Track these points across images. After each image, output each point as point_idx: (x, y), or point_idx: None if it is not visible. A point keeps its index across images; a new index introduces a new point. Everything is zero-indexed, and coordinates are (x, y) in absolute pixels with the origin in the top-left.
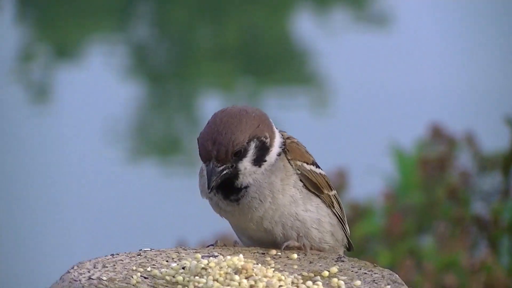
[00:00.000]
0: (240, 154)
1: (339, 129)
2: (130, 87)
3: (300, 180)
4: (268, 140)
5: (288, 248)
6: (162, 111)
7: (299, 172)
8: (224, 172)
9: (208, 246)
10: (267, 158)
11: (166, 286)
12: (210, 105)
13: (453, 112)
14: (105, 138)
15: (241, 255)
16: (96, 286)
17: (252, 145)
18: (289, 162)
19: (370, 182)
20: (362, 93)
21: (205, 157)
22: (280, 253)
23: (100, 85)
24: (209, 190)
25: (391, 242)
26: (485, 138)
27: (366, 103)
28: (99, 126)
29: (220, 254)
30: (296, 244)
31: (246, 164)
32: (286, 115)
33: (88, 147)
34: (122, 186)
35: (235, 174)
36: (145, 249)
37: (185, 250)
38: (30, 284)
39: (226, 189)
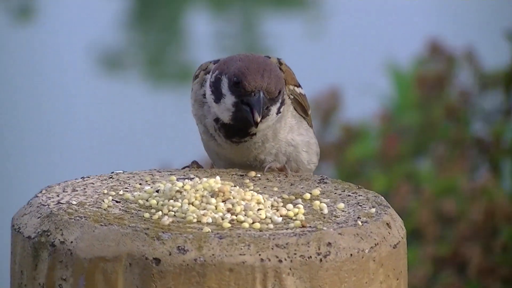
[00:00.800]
0: (279, 96)
1: (332, 47)
2: (114, 3)
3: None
4: (285, 92)
5: (270, 170)
6: (147, 28)
7: (292, 97)
8: (264, 108)
9: (184, 168)
10: (282, 109)
11: (139, 210)
12: (199, 23)
13: (452, 26)
14: (90, 54)
15: (218, 177)
16: (65, 211)
17: (281, 94)
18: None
19: (364, 103)
20: (356, 7)
21: (256, 85)
22: (259, 175)
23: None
24: (255, 123)
25: (386, 165)
26: (486, 54)
27: (360, 18)
28: (85, 42)
29: (196, 176)
30: (278, 165)
31: (273, 110)
32: (280, 32)
33: (73, 64)
34: (108, 103)
35: (263, 117)
36: (117, 172)
37: (160, 172)
38: (3, 209)
39: (231, 130)
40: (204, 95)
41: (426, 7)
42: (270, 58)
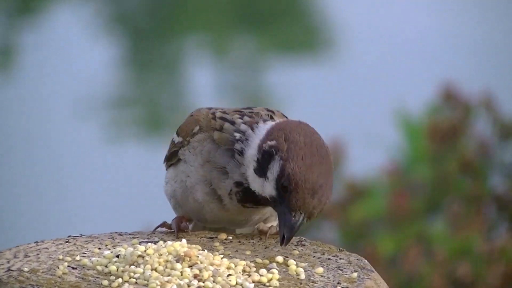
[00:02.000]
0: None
1: (336, 93)
2: (104, 48)
3: None
4: None
5: (271, 236)
6: (142, 78)
7: None
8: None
9: (156, 228)
10: None
11: (97, 277)
12: (199, 71)
13: (468, 70)
14: (77, 110)
15: (184, 240)
16: (16, 279)
17: None
18: None
19: (371, 155)
20: (365, 49)
21: (300, 206)
22: (231, 237)
23: (68, 45)
24: (282, 242)
25: (395, 226)
26: (506, 100)
27: (368, 61)
28: (71, 96)
29: (161, 239)
30: (266, 227)
31: None
32: (283, 79)
33: (58, 122)
34: (97, 166)
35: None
36: (74, 235)
37: (121, 235)
38: None
39: (250, 196)
40: (239, 152)
41: (440, 49)
42: (273, 112)
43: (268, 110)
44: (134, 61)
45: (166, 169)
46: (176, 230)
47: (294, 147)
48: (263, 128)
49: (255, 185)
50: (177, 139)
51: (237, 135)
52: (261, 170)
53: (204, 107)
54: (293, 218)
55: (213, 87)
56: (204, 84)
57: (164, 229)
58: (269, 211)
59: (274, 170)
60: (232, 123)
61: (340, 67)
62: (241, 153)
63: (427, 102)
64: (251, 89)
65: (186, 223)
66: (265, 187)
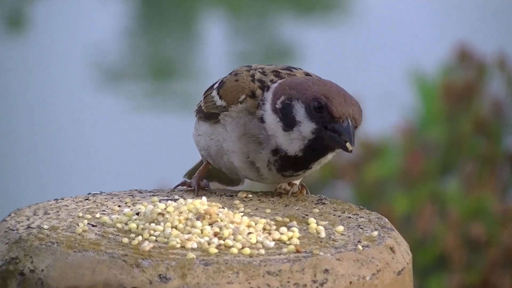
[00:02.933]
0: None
1: (351, 53)
2: (115, 8)
3: None
4: None
5: (293, 195)
6: (153, 35)
7: None
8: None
9: (177, 186)
10: None
11: (117, 235)
12: (212, 31)
13: (483, 30)
14: (90, 70)
15: (204, 198)
16: (35, 236)
17: None
18: None
19: (385, 115)
20: (379, 11)
21: (344, 111)
22: (251, 195)
23: (79, 9)
24: (350, 151)
25: (409, 185)
26: None
27: (382, 23)
28: (83, 56)
29: (181, 197)
30: (296, 189)
31: None
32: (299, 38)
33: (71, 82)
34: (107, 119)
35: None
36: (94, 193)
37: (141, 193)
38: None
39: (289, 162)
40: (261, 119)
41: (454, 8)
42: (296, 69)
43: (306, 74)
44: (146, 18)
45: (198, 120)
46: (196, 188)
47: (302, 85)
48: (270, 92)
49: (293, 145)
50: (220, 102)
51: (260, 100)
52: (290, 122)
53: (243, 66)
54: (344, 125)
55: (226, 46)
56: (218, 43)
57: (184, 187)
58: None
59: (299, 110)
60: (264, 88)
61: (354, 28)
62: (262, 120)
63: (441, 62)
64: (264, 48)
65: (207, 181)
66: (303, 130)
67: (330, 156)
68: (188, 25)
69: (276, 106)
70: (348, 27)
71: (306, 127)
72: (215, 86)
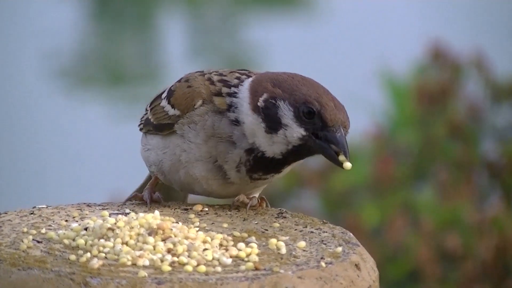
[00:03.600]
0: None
1: (317, 52)
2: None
3: None
4: None
5: (252, 208)
6: (110, 33)
7: None
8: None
9: (128, 200)
10: None
11: (64, 252)
12: (172, 27)
13: (457, 27)
14: (43, 74)
15: (157, 212)
16: None
17: None
18: None
19: (354, 118)
20: (347, 4)
21: (335, 119)
22: (207, 209)
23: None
24: (345, 164)
25: (379, 194)
26: (498, 60)
27: (351, 16)
28: (36, 59)
29: (133, 211)
30: (256, 201)
31: None
32: (263, 37)
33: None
34: (62, 130)
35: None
36: (40, 206)
37: (90, 206)
38: None
39: (261, 164)
40: (235, 121)
41: (427, 4)
42: (250, 72)
43: (245, 70)
44: (102, 15)
45: (145, 134)
46: (149, 201)
47: (288, 84)
48: (244, 89)
49: (274, 148)
50: (172, 111)
51: (229, 100)
52: (274, 125)
53: (193, 71)
54: (337, 134)
55: (186, 43)
56: (177, 40)
57: (136, 200)
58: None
59: (286, 112)
60: (231, 86)
61: (321, 24)
62: (238, 122)
63: (413, 61)
64: (227, 46)
65: (159, 194)
66: (289, 135)
67: (302, 159)
68: (145, 22)
69: (258, 104)
70: (313, 23)
71: (294, 132)
72: (163, 95)
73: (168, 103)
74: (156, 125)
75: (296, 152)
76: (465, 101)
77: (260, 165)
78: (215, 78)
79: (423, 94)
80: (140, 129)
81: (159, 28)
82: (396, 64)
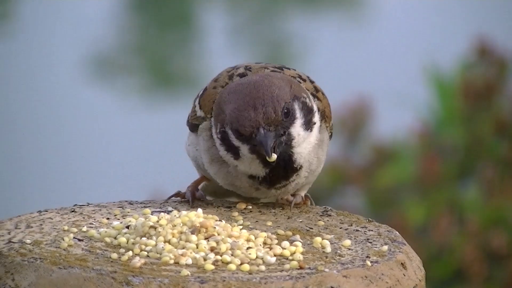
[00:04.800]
0: (289, 114)
1: (363, 49)
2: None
3: None
4: (307, 99)
5: (296, 205)
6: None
7: (330, 133)
8: (278, 138)
9: (170, 197)
10: (315, 120)
11: (106, 250)
12: (212, 19)
13: (504, 24)
14: (84, 66)
15: (200, 210)
16: (17, 251)
17: (296, 105)
18: (326, 129)
19: (399, 116)
20: (393, 3)
21: (251, 125)
22: (250, 207)
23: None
24: (271, 160)
25: (424, 192)
26: None
27: (398, 13)
28: (75, 54)
29: (175, 208)
30: (300, 199)
31: (298, 129)
32: (306, 32)
33: (62, 83)
34: (104, 131)
35: (289, 144)
36: (80, 204)
37: (132, 204)
38: None
39: (273, 178)
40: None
41: (473, 0)
42: (289, 70)
43: (299, 75)
44: (139, 10)
45: (190, 130)
46: (191, 199)
47: (220, 106)
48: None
49: (256, 169)
50: (199, 112)
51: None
52: (234, 151)
53: (229, 67)
54: (257, 138)
55: (227, 36)
56: (216, 34)
57: (178, 198)
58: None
59: (231, 137)
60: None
61: (366, 21)
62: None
63: (459, 58)
64: (268, 39)
65: (202, 192)
66: (245, 153)
67: (306, 146)
68: (186, 19)
69: (217, 136)
70: (358, 21)
71: (244, 150)
72: (199, 93)
73: (198, 103)
74: (191, 125)
75: (267, 163)
76: (511, 98)
77: (272, 179)
78: (240, 71)
79: (469, 91)
80: (187, 125)
81: (198, 22)
82: (442, 61)
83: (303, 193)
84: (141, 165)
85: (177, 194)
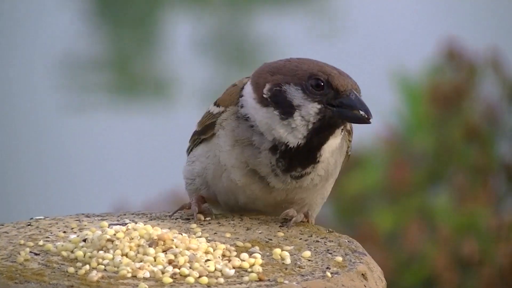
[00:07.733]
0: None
1: (328, 48)
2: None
3: None
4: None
5: (295, 224)
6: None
7: (349, 153)
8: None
9: (175, 212)
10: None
11: (62, 264)
12: (178, 23)
13: (473, 25)
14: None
15: (157, 223)
16: None
17: None
18: (347, 141)
19: None
20: (360, 2)
21: (351, 83)
22: (208, 218)
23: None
24: (368, 120)
25: (394, 199)
26: None
27: (364, 14)
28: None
29: (132, 221)
30: (301, 217)
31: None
32: (272, 32)
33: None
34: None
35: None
36: (37, 218)
37: (89, 217)
38: None
39: (295, 157)
40: (245, 117)
41: (441, 2)
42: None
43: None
44: (103, 15)
45: (189, 151)
46: (195, 213)
47: (288, 67)
48: (247, 86)
49: (295, 133)
50: (217, 110)
51: (240, 100)
52: (287, 109)
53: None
54: (351, 97)
55: (193, 39)
56: (183, 37)
57: (183, 212)
58: (310, 188)
59: (295, 93)
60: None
61: (333, 21)
62: (248, 119)
63: (427, 62)
64: (236, 41)
65: (208, 205)
66: (305, 114)
67: (334, 141)
68: (151, 18)
69: (264, 96)
70: (326, 21)
71: (309, 109)
72: (212, 103)
73: (214, 105)
74: (200, 131)
75: (319, 130)
76: (481, 102)
77: (292, 160)
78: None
79: (437, 96)
80: (187, 151)
81: (165, 27)
82: (409, 64)
83: (306, 209)
84: (101, 175)
85: (183, 207)
